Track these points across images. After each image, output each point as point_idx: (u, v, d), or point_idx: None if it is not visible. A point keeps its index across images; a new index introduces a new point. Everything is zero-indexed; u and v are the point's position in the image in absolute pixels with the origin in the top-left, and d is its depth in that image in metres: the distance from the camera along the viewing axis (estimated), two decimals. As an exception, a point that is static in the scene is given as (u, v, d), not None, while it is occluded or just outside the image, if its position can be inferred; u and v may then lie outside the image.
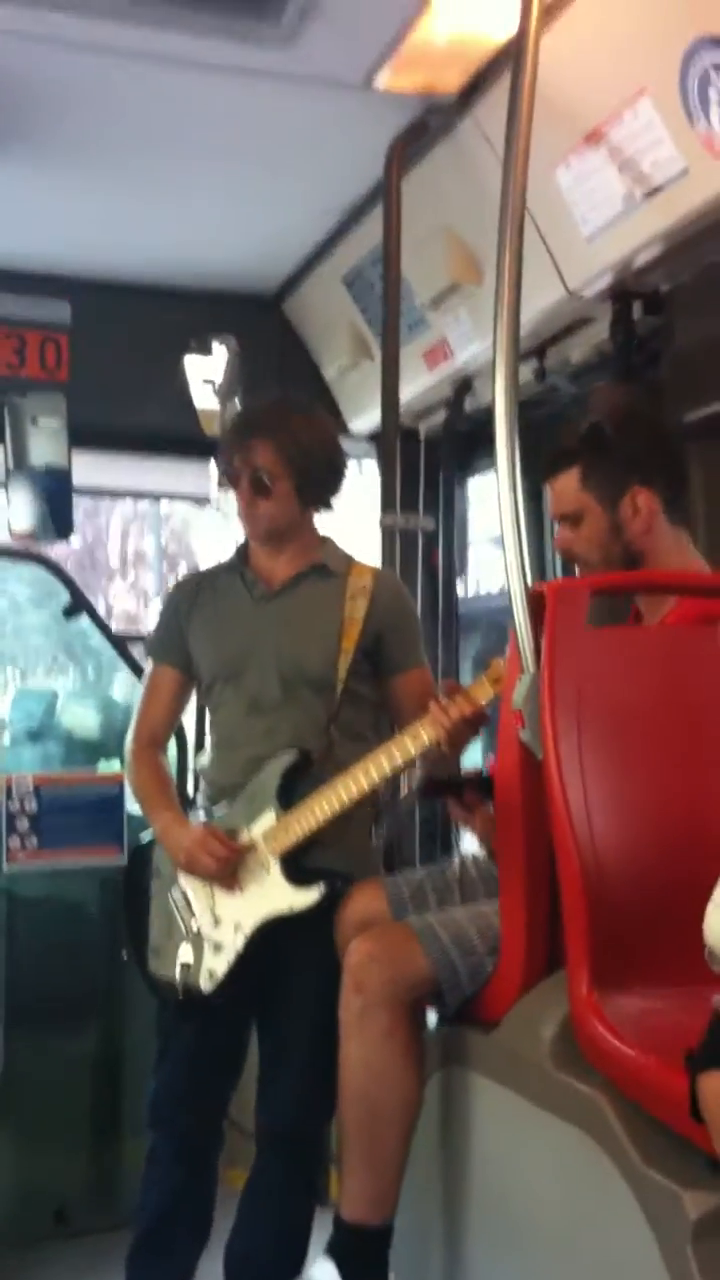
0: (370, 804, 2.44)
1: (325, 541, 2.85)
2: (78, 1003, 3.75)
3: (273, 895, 2.63)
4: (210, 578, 2.92)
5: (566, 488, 2.34)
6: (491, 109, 2.82)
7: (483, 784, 2.35)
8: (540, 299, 2.92)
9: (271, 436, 2.75)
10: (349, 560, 2.83)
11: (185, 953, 2.71)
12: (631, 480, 2.30)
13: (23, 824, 3.49)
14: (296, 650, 2.73)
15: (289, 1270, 2.53)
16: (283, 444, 2.74)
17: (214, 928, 2.69)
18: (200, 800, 2.85)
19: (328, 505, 2.84)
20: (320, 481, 2.78)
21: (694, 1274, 1.65)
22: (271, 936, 2.64)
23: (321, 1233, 2.29)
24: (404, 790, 2.32)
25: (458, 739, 2.34)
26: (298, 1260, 2.57)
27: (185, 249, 3.85)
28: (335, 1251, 2.16)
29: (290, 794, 2.64)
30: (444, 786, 2.36)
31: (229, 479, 2.79)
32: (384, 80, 2.91)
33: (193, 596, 2.89)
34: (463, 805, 2.36)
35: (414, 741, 2.41)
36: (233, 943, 2.65)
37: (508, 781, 2.18)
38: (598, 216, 2.77)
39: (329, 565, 2.79)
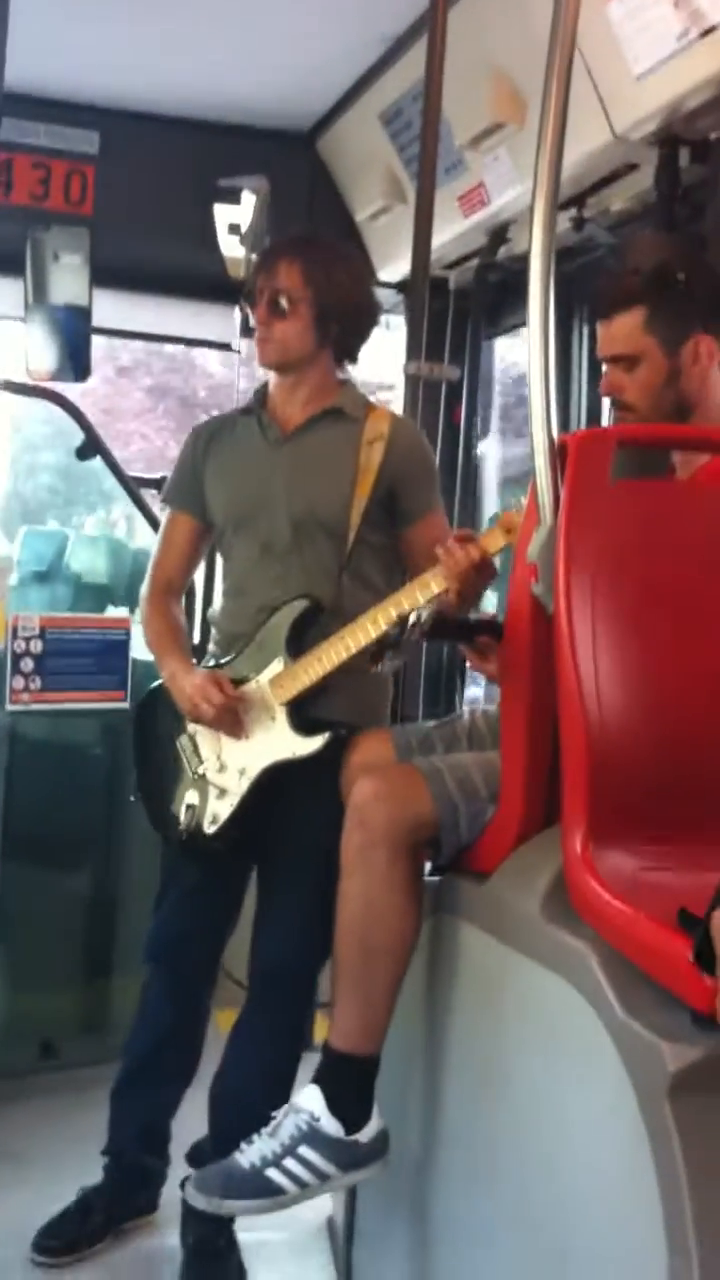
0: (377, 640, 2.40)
1: (344, 385, 2.78)
2: (76, 843, 3.78)
3: (277, 742, 2.62)
4: (228, 422, 2.86)
5: (626, 328, 2.25)
6: (545, -65, 2.67)
7: (496, 628, 2.30)
8: (584, 142, 2.80)
9: (297, 258, 2.69)
10: (367, 404, 2.76)
11: (191, 795, 2.72)
12: (695, 326, 2.23)
13: (27, 665, 3.48)
14: (309, 494, 2.67)
15: (271, 1109, 2.56)
16: (306, 266, 2.67)
17: (220, 773, 2.69)
18: (211, 649, 2.83)
19: (348, 349, 2.76)
20: (341, 312, 2.70)
21: (670, 1128, 1.64)
22: (276, 783, 2.64)
23: (307, 1074, 2.30)
24: (412, 631, 2.27)
25: (467, 587, 2.30)
26: (280, 1100, 2.59)
27: (218, 80, 3.72)
28: (321, 1078, 2.18)
29: (299, 643, 2.62)
30: (453, 628, 2.32)
31: (250, 302, 2.73)
32: None
33: (209, 441, 2.84)
34: (476, 649, 2.32)
35: (423, 590, 2.37)
36: (237, 787, 2.66)
37: (516, 633, 2.14)
38: (649, 55, 2.65)
39: (345, 409, 2.73)
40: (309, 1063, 2.32)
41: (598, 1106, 1.79)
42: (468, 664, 2.46)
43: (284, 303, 2.67)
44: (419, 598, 2.38)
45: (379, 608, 2.46)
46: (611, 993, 1.76)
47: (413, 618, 2.26)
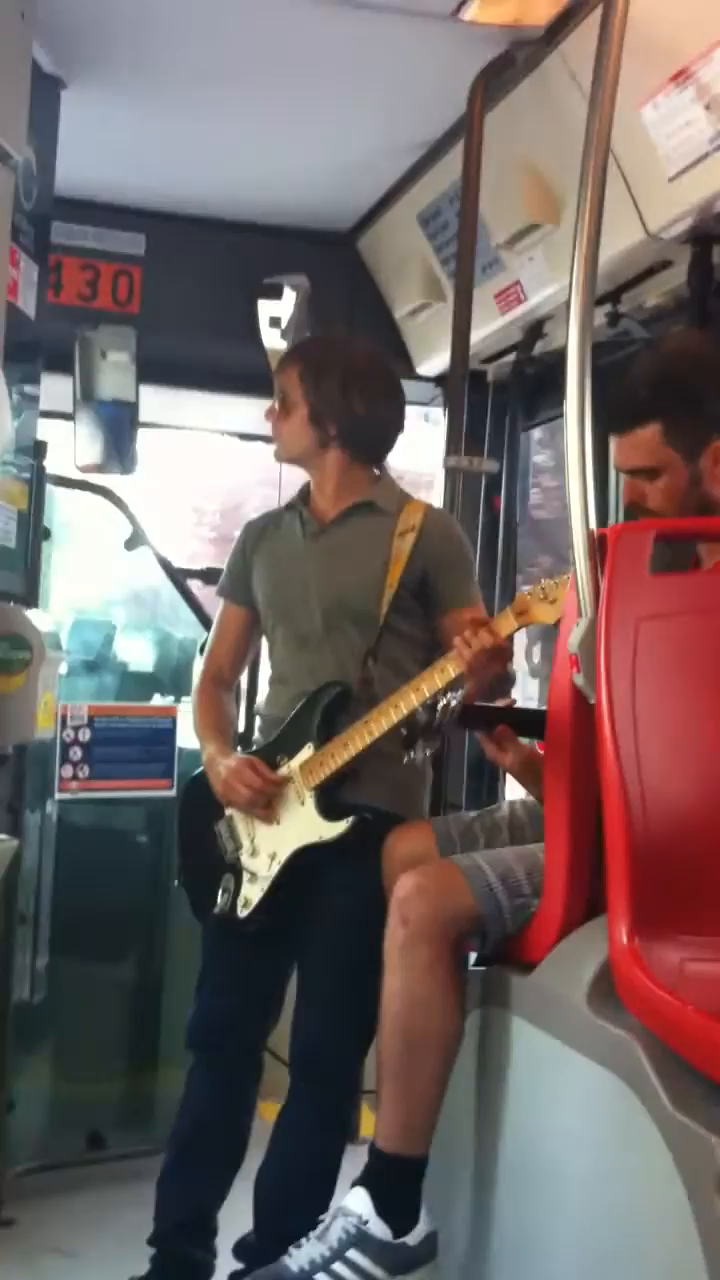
0: (406, 726, 2.44)
1: (380, 479, 2.85)
2: (122, 931, 3.79)
3: (305, 826, 2.67)
4: (275, 518, 2.97)
5: (645, 442, 2.28)
6: (579, 44, 2.75)
7: (516, 716, 2.33)
8: (618, 240, 2.86)
9: (296, 363, 2.82)
10: (403, 498, 2.83)
11: (227, 880, 2.77)
12: (715, 432, 2.26)
13: (76, 753, 3.53)
14: (339, 584, 2.75)
15: (316, 1203, 2.55)
16: (302, 369, 2.79)
17: (252, 857, 2.74)
18: (256, 736, 2.88)
19: (354, 449, 2.81)
20: (336, 414, 2.77)
21: (721, 1222, 1.63)
22: (309, 868, 2.66)
23: (352, 1169, 2.29)
24: (443, 715, 2.30)
25: (479, 671, 2.34)
26: (325, 1194, 2.59)
27: (261, 182, 3.81)
28: (368, 1180, 2.17)
29: (330, 728, 2.68)
30: (478, 716, 2.35)
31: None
32: (471, 11, 2.84)
33: (258, 536, 2.95)
34: (493, 738, 2.34)
35: (441, 675, 2.43)
36: (268, 872, 2.70)
37: (559, 723, 2.17)
38: (682, 156, 2.70)
39: (378, 502, 2.80)
40: (356, 1152, 2.31)
41: (648, 1201, 1.79)
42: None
43: (284, 403, 2.80)
44: (437, 681, 2.43)
45: (400, 693, 2.52)
46: (660, 1086, 1.77)
47: (442, 702, 2.30)
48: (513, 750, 2.35)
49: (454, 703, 2.29)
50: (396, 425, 2.88)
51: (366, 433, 2.83)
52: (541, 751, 2.32)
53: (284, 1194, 2.67)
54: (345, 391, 2.79)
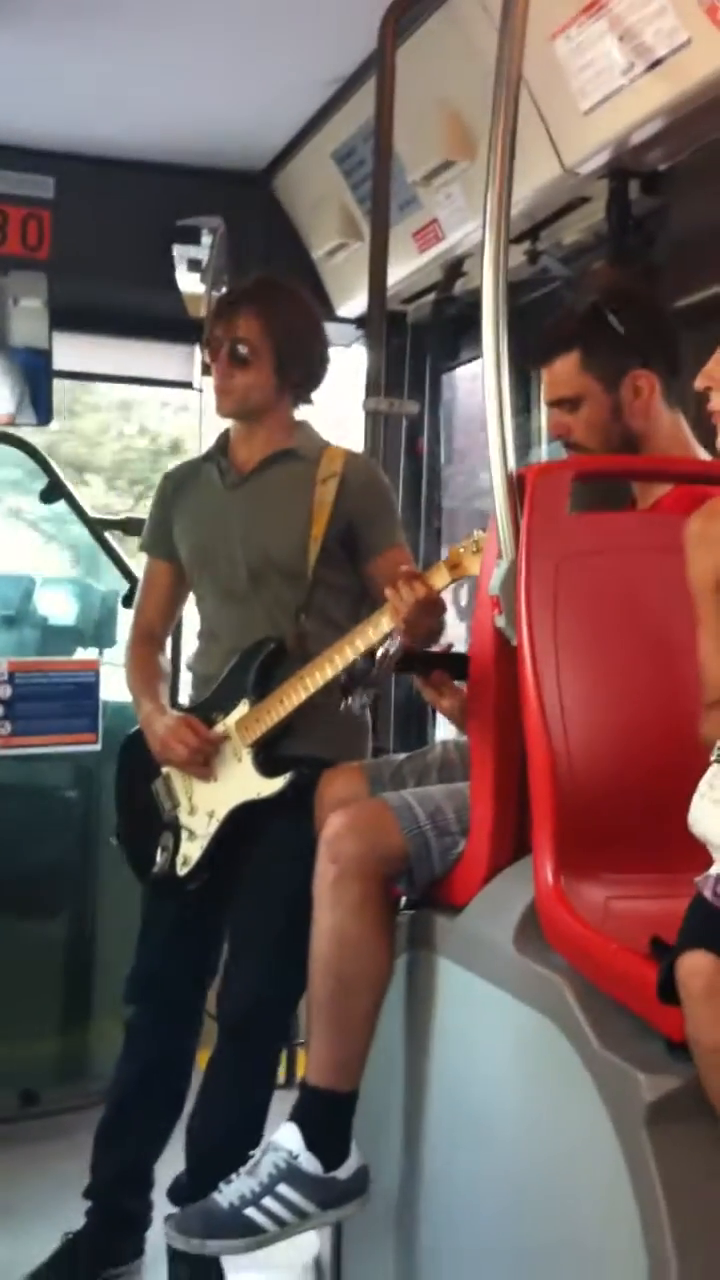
0: (345, 674, 2.41)
1: (299, 426, 2.81)
2: (51, 887, 3.77)
3: (243, 783, 2.65)
4: (193, 468, 2.91)
5: (565, 371, 2.29)
6: (490, -26, 2.71)
7: (452, 661, 2.32)
8: (535, 176, 2.83)
9: (256, 308, 2.71)
10: (322, 445, 2.78)
11: (165, 838, 2.75)
12: (632, 361, 2.26)
13: (-4, 709, 3.47)
14: (263, 538, 2.71)
15: (244, 1148, 2.56)
16: (266, 316, 2.70)
17: (190, 815, 2.72)
18: (189, 694, 2.85)
19: (305, 393, 2.79)
20: (301, 360, 2.73)
21: (648, 1157, 1.64)
22: (246, 823, 2.65)
23: (284, 1112, 2.29)
24: (380, 664, 2.28)
25: (415, 625, 2.31)
26: (253, 1140, 2.60)
27: (172, 123, 3.74)
28: (299, 1115, 2.17)
29: (265, 684, 2.65)
30: (415, 662, 2.33)
31: (210, 351, 2.75)
32: (379, -58, 2.80)
33: (175, 488, 2.89)
34: (430, 683, 2.33)
35: (374, 629, 2.39)
36: (206, 830, 2.68)
37: (482, 666, 2.15)
38: (596, 90, 2.68)
39: (299, 450, 2.75)
40: (288, 1098, 2.31)
41: (576, 1137, 1.79)
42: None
43: (244, 352, 2.69)
44: (371, 636, 2.40)
45: (334, 647, 2.49)
46: (586, 1024, 1.77)
47: (380, 651, 2.28)
48: (450, 694, 2.34)
49: (392, 650, 2.27)
50: (329, 362, 2.84)
51: (320, 373, 2.79)
52: None
53: (213, 1138, 2.67)
54: (309, 335, 2.75)
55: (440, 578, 2.31)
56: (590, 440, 2.29)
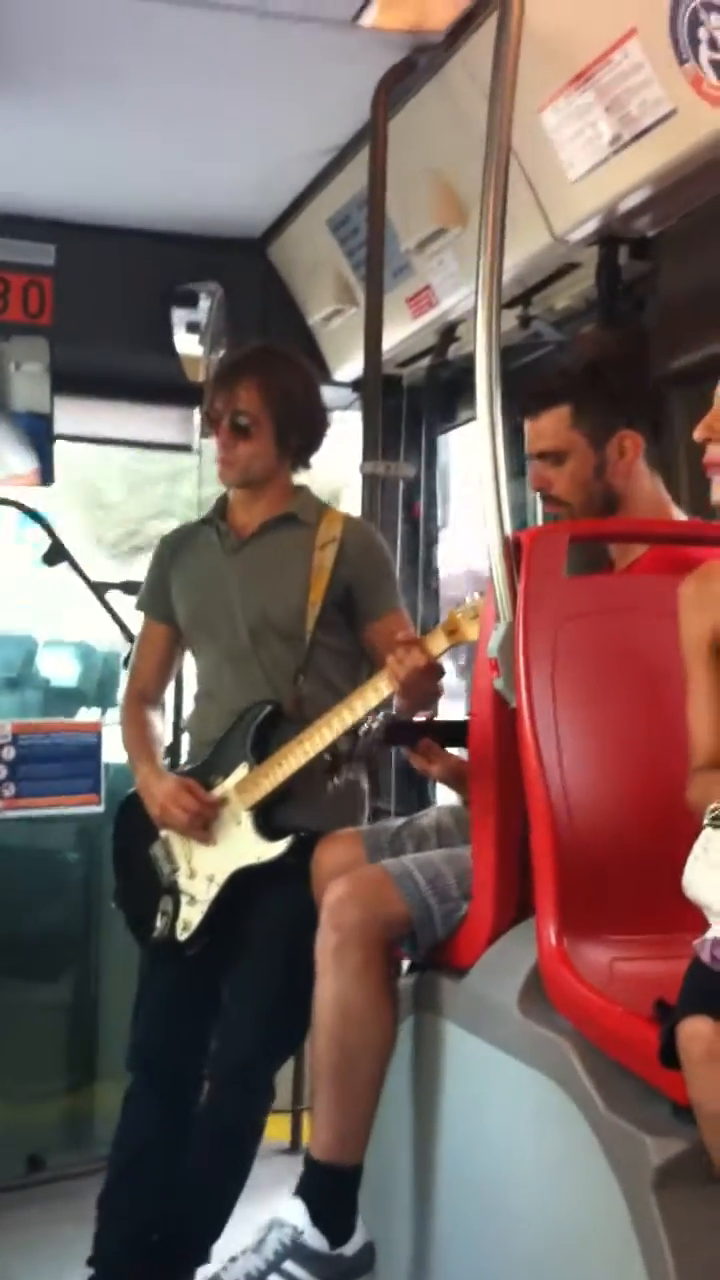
0: (329, 752, 2.43)
1: (299, 491, 2.84)
2: (54, 949, 3.76)
3: (243, 847, 2.65)
4: (191, 531, 2.94)
5: (553, 425, 2.33)
6: (479, 48, 2.76)
7: (438, 729, 2.34)
8: (526, 244, 2.87)
9: (255, 378, 2.74)
10: (321, 509, 2.82)
11: (165, 902, 2.74)
12: (620, 421, 2.30)
13: (0, 771, 3.48)
14: (262, 601, 2.73)
15: (224, 1206, 2.63)
16: (266, 387, 2.73)
17: (190, 879, 2.72)
18: (185, 757, 2.86)
19: (305, 459, 2.83)
20: (300, 427, 2.77)
21: (657, 1220, 1.65)
22: (245, 888, 2.65)
23: (291, 1177, 2.28)
24: (365, 739, 2.31)
25: (412, 690, 2.34)
26: (232, 1195, 2.65)
27: (171, 191, 3.79)
28: (305, 1190, 2.16)
29: (263, 747, 2.66)
30: (402, 732, 2.36)
31: (210, 422, 2.79)
32: (371, 17, 2.85)
33: (174, 551, 2.91)
34: (419, 751, 2.35)
35: (374, 692, 2.42)
36: (206, 894, 2.68)
37: (482, 729, 2.17)
38: (584, 159, 2.72)
39: (298, 514, 2.79)
40: (294, 1164, 2.30)
41: (584, 1201, 1.80)
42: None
43: (245, 423, 2.72)
44: (370, 699, 2.42)
45: (334, 711, 2.50)
46: (592, 1087, 1.78)
47: (364, 728, 2.30)
48: (439, 761, 2.36)
49: (374, 726, 2.29)
50: (328, 426, 2.87)
51: (318, 441, 2.83)
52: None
53: (196, 1195, 2.68)
54: (308, 402, 2.78)
55: (438, 643, 2.34)
56: (571, 496, 2.33)
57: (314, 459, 2.89)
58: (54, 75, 3.18)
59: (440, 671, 2.39)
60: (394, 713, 2.37)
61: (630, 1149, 1.69)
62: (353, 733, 2.35)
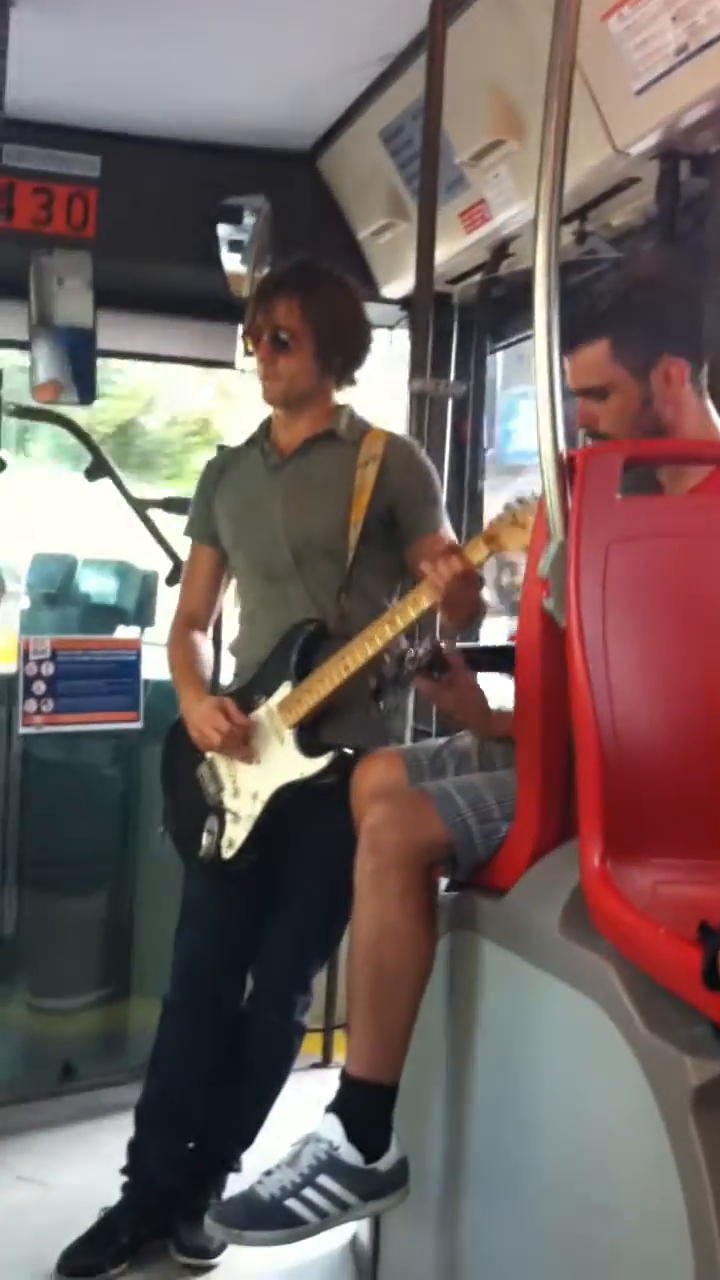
0: (374, 676, 2.42)
1: (341, 409, 2.82)
2: (91, 864, 3.79)
3: (285, 765, 2.66)
4: (236, 453, 2.93)
5: (594, 360, 2.25)
6: (541, -49, 2.68)
7: (485, 655, 2.34)
8: (585, 157, 2.80)
9: (295, 294, 2.72)
10: (364, 427, 2.79)
11: (211, 822, 2.76)
12: (662, 350, 2.23)
13: (39, 687, 3.49)
14: (304, 518, 2.72)
15: (261, 1111, 2.81)
16: (306, 302, 2.71)
17: (234, 798, 2.73)
18: (231, 678, 2.86)
19: (349, 375, 2.80)
20: (342, 344, 2.74)
21: (694, 1140, 1.64)
22: (290, 808, 2.65)
23: (326, 1094, 2.30)
24: (410, 664, 2.29)
25: (453, 599, 2.33)
26: (269, 1100, 2.83)
27: (218, 102, 3.72)
28: (339, 1107, 2.17)
29: (306, 664, 2.66)
30: (443, 662, 2.33)
31: (251, 337, 2.76)
32: None
33: (220, 473, 2.91)
34: (431, 680, 2.34)
35: (414, 606, 2.40)
36: (250, 811, 2.69)
37: (529, 649, 2.14)
38: (648, 70, 2.64)
39: (339, 432, 2.77)
40: (328, 1079, 2.32)
41: (621, 1121, 1.79)
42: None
43: (285, 338, 2.70)
44: (410, 613, 2.41)
45: (374, 625, 2.49)
46: (633, 1008, 1.76)
47: (409, 653, 2.28)
48: (449, 691, 2.35)
49: (420, 651, 2.28)
50: (372, 344, 2.85)
51: (360, 358, 2.80)
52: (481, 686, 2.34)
53: (234, 1100, 2.82)
54: (349, 318, 2.76)
55: (477, 552, 2.32)
56: (618, 430, 2.26)
57: (360, 377, 2.86)
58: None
59: (480, 581, 2.38)
60: (439, 635, 2.35)
61: (669, 1069, 1.68)
62: (398, 658, 2.33)
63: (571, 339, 2.26)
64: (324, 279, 2.79)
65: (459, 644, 2.49)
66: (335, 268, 2.87)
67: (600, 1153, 1.85)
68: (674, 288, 2.33)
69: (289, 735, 2.65)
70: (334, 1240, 2.82)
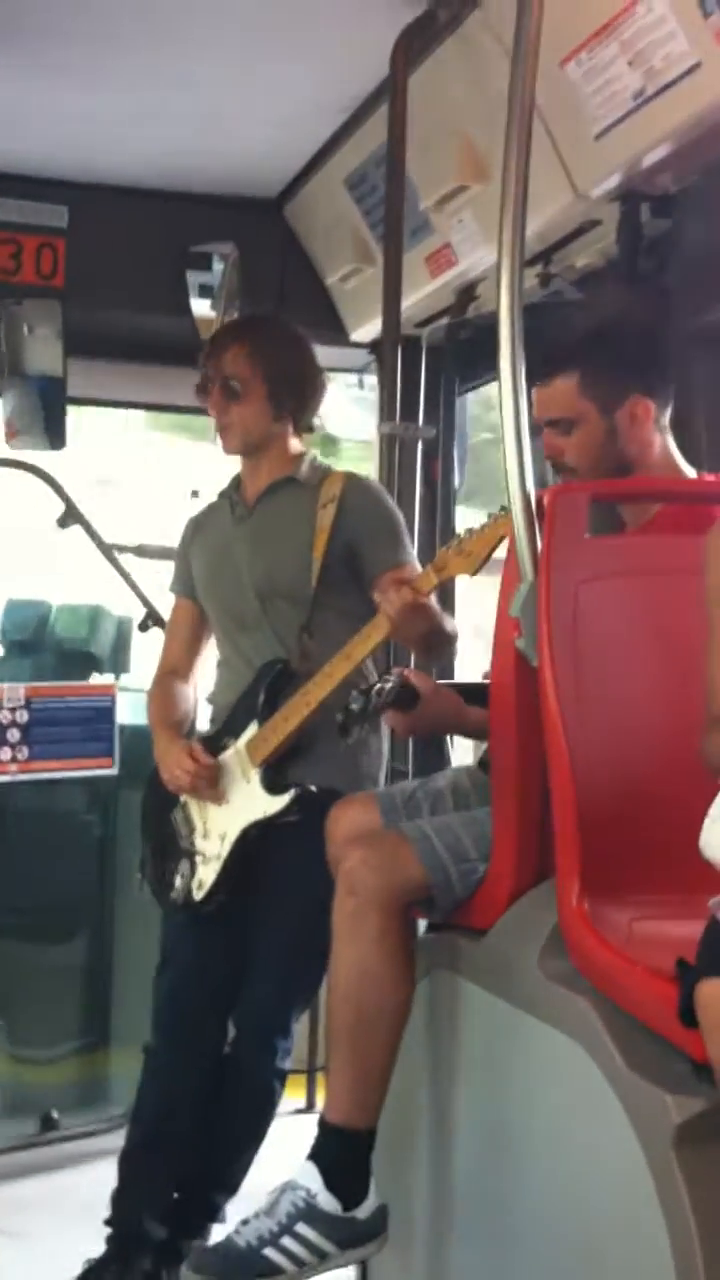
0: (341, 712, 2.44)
1: (303, 455, 2.85)
2: (69, 912, 3.78)
3: (251, 803, 2.70)
4: (212, 508, 3.01)
5: (562, 392, 2.29)
6: (500, 1, 2.72)
7: (456, 691, 2.36)
8: (547, 201, 2.83)
9: (241, 341, 2.79)
10: (325, 471, 2.84)
11: (183, 865, 2.78)
12: (631, 388, 2.26)
13: (14, 735, 3.48)
14: (267, 563, 2.78)
15: (244, 1159, 2.79)
16: (251, 348, 2.77)
17: (204, 839, 2.76)
18: (206, 724, 2.90)
19: (304, 418, 2.85)
20: (292, 386, 2.80)
21: (677, 1177, 1.64)
22: (258, 846, 2.66)
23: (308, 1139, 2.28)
24: (377, 698, 2.31)
25: (405, 629, 2.38)
26: (252, 1148, 2.81)
27: (185, 150, 3.75)
28: (318, 1153, 2.16)
29: (273, 704, 2.70)
30: (410, 696, 2.35)
31: (203, 391, 2.80)
32: (389, -31, 2.82)
33: (195, 528, 2.98)
34: (401, 715, 2.37)
35: (369, 638, 2.45)
36: (218, 852, 2.72)
37: (502, 689, 2.16)
38: (607, 114, 2.67)
39: (299, 477, 2.81)
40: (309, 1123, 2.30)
41: (604, 1160, 1.79)
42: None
43: (236, 386, 2.75)
44: (366, 645, 2.48)
45: (332, 661, 2.55)
46: (613, 1046, 1.77)
47: (376, 688, 2.31)
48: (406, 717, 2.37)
49: (388, 685, 2.30)
50: (325, 385, 2.90)
51: (313, 400, 2.85)
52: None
53: (217, 1149, 2.81)
54: (297, 361, 2.80)
55: (427, 581, 2.38)
56: (582, 463, 2.29)
57: (317, 421, 2.92)
58: (65, 35, 3.14)
59: (430, 611, 2.44)
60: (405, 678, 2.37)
61: (651, 1107, 1.68)
62: (364, 693, 2.35)
63: (540, 369, 2.29)
64: (268, 325, 2.88)
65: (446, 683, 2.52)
66: (278, 315, 2.93)
67: (584, 1191, 1.85)
68: (647, 328, 2.36)
69: (255, 774, 2.68)
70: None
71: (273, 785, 2.65)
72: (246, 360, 2.76)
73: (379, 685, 2.32)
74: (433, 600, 2.47)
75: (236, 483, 2.91)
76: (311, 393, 2.84)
